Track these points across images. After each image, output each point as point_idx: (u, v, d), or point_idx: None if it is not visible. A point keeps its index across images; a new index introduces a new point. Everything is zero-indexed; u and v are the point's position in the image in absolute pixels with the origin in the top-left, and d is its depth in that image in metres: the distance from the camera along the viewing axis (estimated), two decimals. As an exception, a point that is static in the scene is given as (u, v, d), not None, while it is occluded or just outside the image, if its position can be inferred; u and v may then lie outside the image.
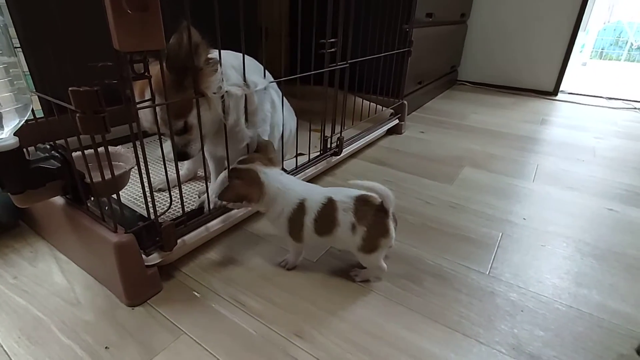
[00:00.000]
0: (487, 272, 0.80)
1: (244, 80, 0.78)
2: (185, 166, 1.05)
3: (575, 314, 0.70)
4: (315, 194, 0.72)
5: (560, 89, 2.48)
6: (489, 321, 0.67)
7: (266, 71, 0.87)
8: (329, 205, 0.70)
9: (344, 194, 0.71)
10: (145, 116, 0.68)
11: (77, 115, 0.54)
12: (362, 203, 0.70)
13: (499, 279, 0.78)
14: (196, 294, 0.71)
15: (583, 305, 0.72)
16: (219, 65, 0.71)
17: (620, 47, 4.64)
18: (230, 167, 0.75)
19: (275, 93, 0.93)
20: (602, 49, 4.72)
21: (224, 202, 0.75)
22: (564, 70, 2.40)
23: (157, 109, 0.65)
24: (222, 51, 0.71)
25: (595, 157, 1.47)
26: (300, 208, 0.71)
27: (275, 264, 0.80)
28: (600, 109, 2.23)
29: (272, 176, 0.73)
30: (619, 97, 2.46)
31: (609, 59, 4.69)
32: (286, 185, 0.73)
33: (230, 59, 0.77)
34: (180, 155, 0.76)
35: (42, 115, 0.75)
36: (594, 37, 4.53)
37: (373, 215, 0.69)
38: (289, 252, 0.79)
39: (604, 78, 3.36)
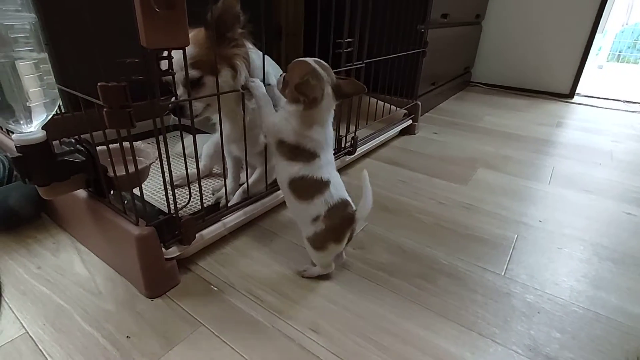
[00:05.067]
0: (503, 273, 0.79)
1: (263, 79, 0.79)
2: (202, 162, 1.07)
3: (593, 316, 0.69)
4: (334, 176, 0.73)
5: (576, 92, 2.44)
6: (505, 322, 0.67)
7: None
8: (325, 185, 0.70)
9: (340, 192, 0.71)
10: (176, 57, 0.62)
11: (105, 110, 0.55)
12: (339, 207, 0.69)
13: (514, 280, 0.78)
14: (213, 287, 0.73)
15: (600, 308, 0.71)
16: (247, 49, 0.75)
17: (639, 50, 4.55)
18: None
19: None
20: (620, 52, 4.62)
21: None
22: (580, 73, 2.36)
23: (181, 57, 0.62)
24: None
25: (613, 160, 1.45)
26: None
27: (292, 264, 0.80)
28: (617, 112, 2.19)
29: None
30: (637, 101, 2.42)
31: (627, 62, 4.60)
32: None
33: (255, 57, 0.79)
34: (176, 108, 0.74)
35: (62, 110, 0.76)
36: (611, 40, 4.44)
37: (339, 220, 0.69)
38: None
39: (621, 81, 3.30)
